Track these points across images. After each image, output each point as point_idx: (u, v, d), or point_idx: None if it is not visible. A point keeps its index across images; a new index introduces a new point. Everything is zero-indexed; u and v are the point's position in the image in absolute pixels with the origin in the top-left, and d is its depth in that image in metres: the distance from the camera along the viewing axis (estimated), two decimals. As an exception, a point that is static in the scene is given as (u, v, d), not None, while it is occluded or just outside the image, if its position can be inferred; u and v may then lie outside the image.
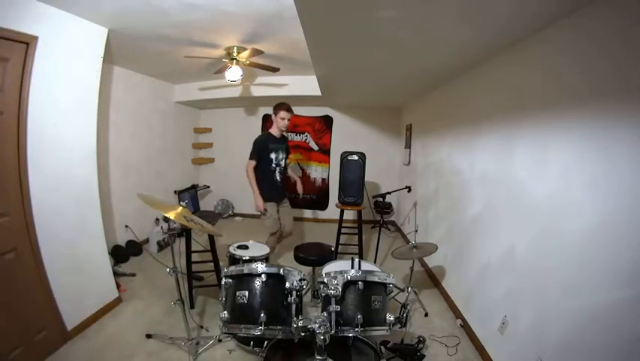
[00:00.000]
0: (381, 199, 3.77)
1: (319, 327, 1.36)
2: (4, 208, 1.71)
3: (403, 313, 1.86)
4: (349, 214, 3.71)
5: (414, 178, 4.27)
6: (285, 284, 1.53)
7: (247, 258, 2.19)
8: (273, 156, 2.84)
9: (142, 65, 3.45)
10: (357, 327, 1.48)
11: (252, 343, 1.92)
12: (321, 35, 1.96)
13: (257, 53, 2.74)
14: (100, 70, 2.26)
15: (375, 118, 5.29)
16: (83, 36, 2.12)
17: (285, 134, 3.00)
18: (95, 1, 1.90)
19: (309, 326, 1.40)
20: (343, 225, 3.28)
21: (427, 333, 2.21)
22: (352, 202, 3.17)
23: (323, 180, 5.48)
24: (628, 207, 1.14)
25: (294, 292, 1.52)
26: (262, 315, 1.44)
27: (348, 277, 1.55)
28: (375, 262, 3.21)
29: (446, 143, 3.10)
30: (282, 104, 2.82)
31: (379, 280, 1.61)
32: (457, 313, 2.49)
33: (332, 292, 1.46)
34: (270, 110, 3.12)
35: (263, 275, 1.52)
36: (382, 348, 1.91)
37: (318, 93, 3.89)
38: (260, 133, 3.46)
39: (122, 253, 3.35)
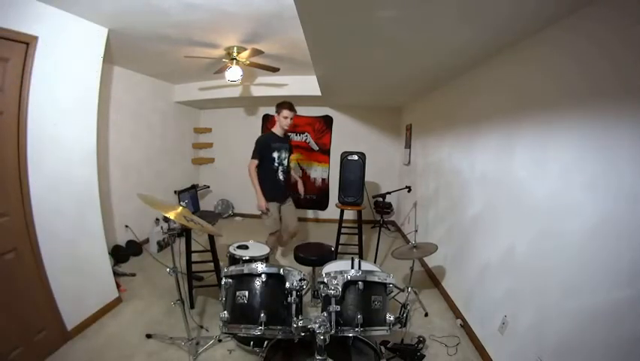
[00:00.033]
0: (381, 199, 3.77)
1: (319, 327, 1.36)
2: (4, 208, 1.71)
3: (403, 313, 1.86)
4: (349, 214, 3.71)
5: (414, 178, 4.27)
6: (285, 284, 1.53)
7: (247, 258, 2.19)
8: (275, 155, 2.84)
9: (142, 65, 3.45)
10: (357, 327, 1.48)
11: (252, 343, 1.92)
12: (321, 35, 1.96)
13: (257, 53, 2.74)
14: (100, 70, 2.26)
15: (375, 118, 5.29)
16: (82, 36, 2.12)
17: (287, 133, 3.00)
18: (95, 1, 1.90)
19: (309, 326, 1.40)
20: (343, 225, 3.28)
21: (427, 333, 2.21)
22: (352, 202, 3.17)
23: (323, 180, 5.47)
24: (628, 207, 1.14)
25: (294, 292, 1.52)
26: (262, 315, 1.44)
27: (348, 277, 1.55)
28: (375, 262, 3.21)
29: (446, 143, 3.10)
30: (285, 103, 2.82)
31: (379, 280, 1.61)
32: (457, 313, 2.49)
33: (332, 292, 1.46)
34: (270, 110, 3.12)
35: (263, 275, 1.52)
36: (382, 348, 1.91)
37: (318, 93, 3.88)
38: (260, 133, 3.46)
39: (122, 253, 3.35)
